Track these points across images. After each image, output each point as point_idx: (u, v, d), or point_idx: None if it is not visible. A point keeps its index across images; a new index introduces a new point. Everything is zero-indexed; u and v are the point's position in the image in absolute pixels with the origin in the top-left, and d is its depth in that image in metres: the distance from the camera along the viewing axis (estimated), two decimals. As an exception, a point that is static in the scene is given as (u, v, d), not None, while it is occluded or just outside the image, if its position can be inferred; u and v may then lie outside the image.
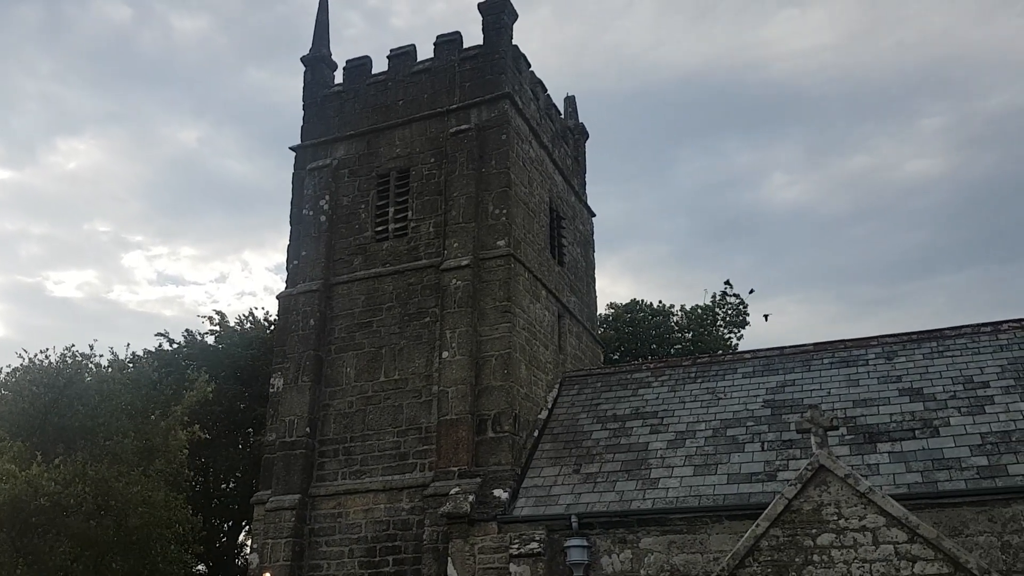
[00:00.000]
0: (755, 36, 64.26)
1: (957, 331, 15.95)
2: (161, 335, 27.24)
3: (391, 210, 18.32)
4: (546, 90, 20.41)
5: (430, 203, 17.88)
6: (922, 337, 16.08)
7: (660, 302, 32.46)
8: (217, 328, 27.65)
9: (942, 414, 13.72)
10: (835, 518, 10.48)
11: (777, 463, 13.64)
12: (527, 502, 14.58)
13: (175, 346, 26.96)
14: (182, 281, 67.55)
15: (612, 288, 69.36)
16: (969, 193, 61.58)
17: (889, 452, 13.20)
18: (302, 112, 20.00)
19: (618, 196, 61.63)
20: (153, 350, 26.40)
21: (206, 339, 27.37)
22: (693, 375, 17.06)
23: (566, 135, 21.80)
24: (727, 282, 32.55)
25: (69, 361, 19.28)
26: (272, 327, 25.99)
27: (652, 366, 18.18)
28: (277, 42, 67.37)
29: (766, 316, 33.32)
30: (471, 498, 14.54)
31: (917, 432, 13.45)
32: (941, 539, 10.07)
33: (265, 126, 67.53)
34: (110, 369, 20.24)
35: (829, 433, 11.56)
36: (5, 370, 19.20)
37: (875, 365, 15.62)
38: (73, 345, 19.82)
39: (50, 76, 65.67)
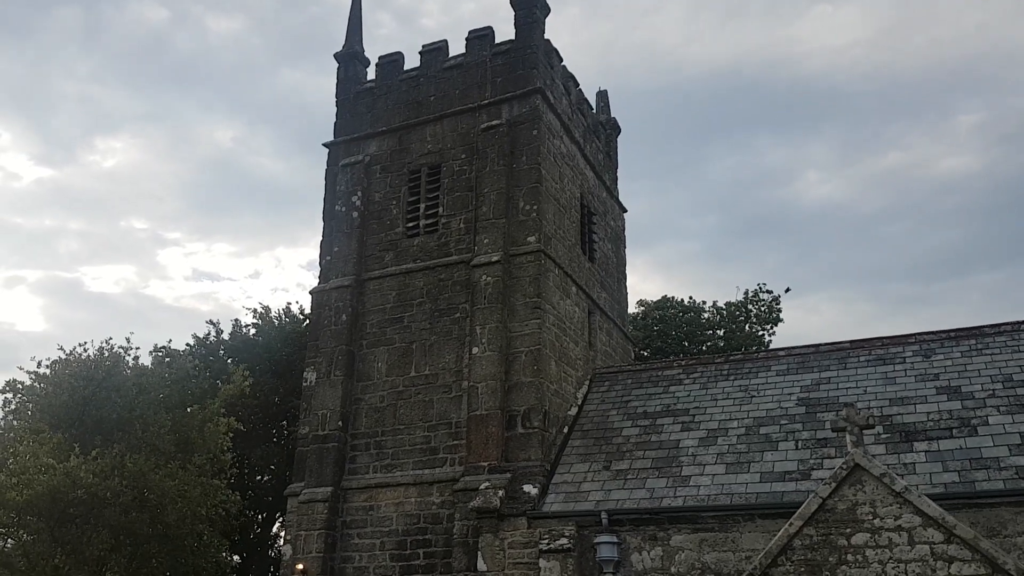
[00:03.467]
0: (787, 32, 63.43)
1: (996, 328, 15.61)
2: (211, 323, 27.95)
3: (422, 206, 18.39)
4: (578, 85, 20.32)
5: (461, 199, 17.92)
6: (960, 335, 15.77)
7: (691, 299, 32.23)
8: (259, 321, 28.09)
9: (980, 413, 13.45)
10: (870, 517, 10.33)
11: (811, 462, 13.48)
12: (557, 498, 14.57)
13: (220, 336, 27.53)
14: (217, 277, 68.60)
15: (642, 285, 69.06)
16: (1004, 191, 60.22)
17: (926, 451, 12.97)
18: (335, 108, 20.16)
19: (648, 193, 61.24)
20: (201, 337, 27.12)
21: (247, 331, 27.88)
22: (726, 372, 16.90)
23: (598, 130, 21.70)
24: (760, 285, 32.25)
25: (107, 354, 19.69)
26: (306, 322, 26.32)
27: (684, 363, 18.05)
28: (310, 42, 67.99)
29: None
30: (501, 493, 14.58)
31: (955, 431, 13.20)
32: (978, 539, 9.87)
33: (298, 125, 68.27)
34: (149, 363, 20.65)
35: (865, 432, 11.39)
36: (45, 363, 19.65)
37: (912, 363, 15.35)
38: (111, 338, 20.24)
39: (88, 77, 67.03)
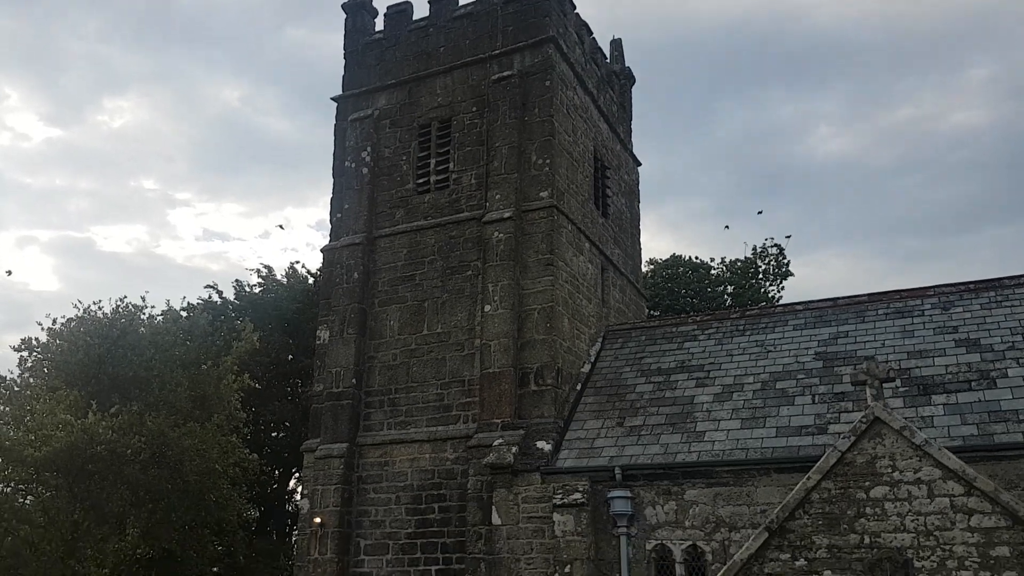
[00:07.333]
0: (798, -16, 61.86)
1: (1016, 280, 15.35)
2: (211, 287, 27.77)
3: (432, 161, 18.12)
4: (591, 33, 19.78)
5: (472, 154, 17.63)
6: (980, 287, 15.52)
7: (697, 257, 32.09)
8: (263, 281, 28.03)
9: (1000, 365, 13.27)
10: (889, 471, 10.24)
11: (828, 416, 13.38)
12: (570, 454, 14.58)
13: (224, 299, 27.45)
14: (227, 237, 68.70)
15: (652, 244, 68.56)
16: (1016, 144, 59.22)
17: (944, 404, 12.83)
18: (343, 61, 19.77)
19: (657, 150, 60.41)
20: (203, 301, 26.97)
21: (254, 291, 27.81)
22: (741, 328, 16.74)
23: (611, 80, 21.21)
24: (768, 239, 32.25)
25: (122, 312, 19.74)
26: (315, 280, 26.27)
27: (698, 319, 17.87)
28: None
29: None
30: (514, 449, 14.59)
31: (973, 384, 13.04)
32: (999, 492, 9.78)
33: (305, 84, 67.56)
34: (162, 319, 20.70)
35: (884, 385, 11.24)
36: (60, 321, 19.71)
37: (931, 316, 15.15)
38: (125, 297, 20.29)
39: (95, 37, 66.39)
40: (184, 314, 22.95)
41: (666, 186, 62.09)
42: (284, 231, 61.50)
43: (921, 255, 61.60)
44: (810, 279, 58.53)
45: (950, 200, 61.04)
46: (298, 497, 23.82)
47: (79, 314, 19.74)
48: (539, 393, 15.40)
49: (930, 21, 60.35)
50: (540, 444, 14.72)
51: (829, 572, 10.21)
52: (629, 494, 13.46)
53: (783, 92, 65.61)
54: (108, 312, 19.79)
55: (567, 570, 13.36)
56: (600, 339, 17.76)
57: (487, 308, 16.10)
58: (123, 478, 17.61)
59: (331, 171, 19.24)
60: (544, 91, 17.18)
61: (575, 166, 17.97)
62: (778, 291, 31.54)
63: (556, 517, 13.73)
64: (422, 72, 18.65)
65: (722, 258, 32.27)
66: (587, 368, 16.80)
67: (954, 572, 9.62)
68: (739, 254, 32.58)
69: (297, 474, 26.09)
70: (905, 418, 11.63)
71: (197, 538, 19.40)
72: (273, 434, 27.27)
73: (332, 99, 19.63)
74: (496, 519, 14.35)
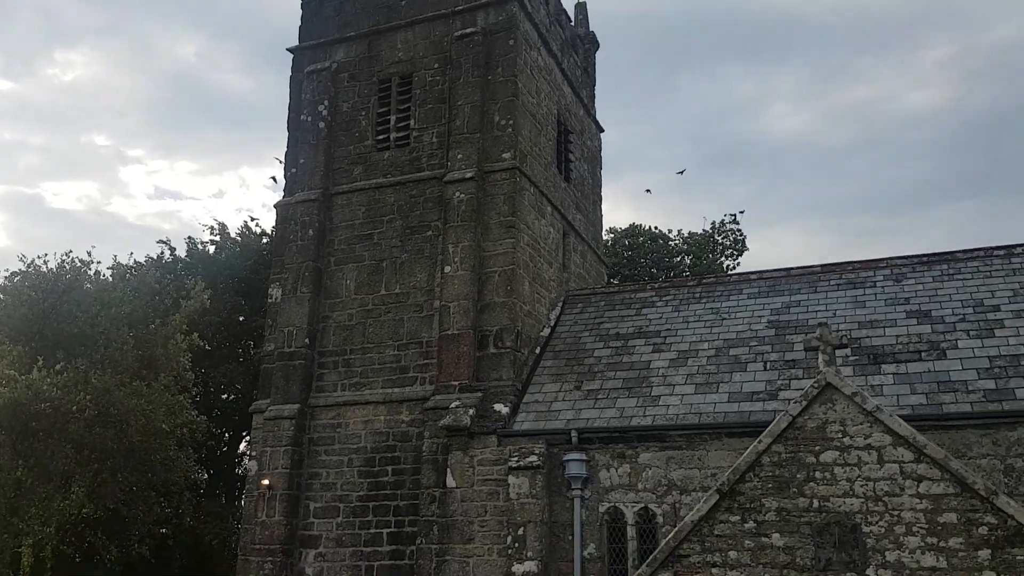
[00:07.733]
0: (758, -39, 61.82)
1: (969, 254, 15.63)
2: (163, 242, 27.01)
3: (393, 118, 17.70)
4: (557, -7, 19.45)
5: (433, 111, 17.26)
6: (932, 259, 15.77)
7: (656, 227, 32.33)
8: (217, 238, 27.33)
9: (950, 337, 13.52)
10: (840, 436, 10.38)
11: (779, 382, 13.53)
12: (527, 417, 14.54)
13: (175, 255, 26.70)
14: (180, 196, 66.99)
15: (612, 215, 68.50)
16: (970, 125, 60.53)
17: (894, 373, 13.05)
18: (300, 11, 19.12)
19: (618, 122, 60.25)
20: (154, 257, 26.21)
21: (207, 248, 27.10)
22: (698, 295, 16.83)
23: (576, 44, 20.93)
24: (727, 216, 32.93)
25: (67, 267, 19.07)
26: (269, 239, 25.69)
27: (656, 286, 17.95)
28: (274, -51, 64.69)
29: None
30: (471, 412, 14.50)
31: (923, 354, 13.27)
32: (949, 459, 9.96)
33: (264, 40, 65.60)
34: (110, 277, 20.05)
35: (837, 352, 11.36)
36: (3, 275, 18.98)
37: (883, 287, 15.37)
38: (71, 251, 19.60)
39: (43, -18, 63.42)
40: (132, 271, 22.28)
41: (626, 158, 62.10)
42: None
43: (873, 233, 62.78)
44: (764, 254, 59.42)
45: (903, 180, 62.24)
46: (247, 460, 23.50)
47: (23, 268, 19.00)
48: (498, 356, 15.29)
49: (888, 0, 60.97)
50: (497, 407, 14.65)
51: (778, 535, 10.36)
52: (584, 457, 13.51)
53: (741, 68, 65.87)
54: (53, 267, 19.08)
55: (520, 532, 13.38)
56: (560, 304, 17.70)
57: (447, 269, 15.88)
58: (68, 436, 17.11)
59: (286, 123, 18.68)
60: (508, 50, 16.84)
61: (538, 128, 17.72)
62: (734, 265, 32.00)
63: (511, 480, 13.72)
64: (383, 25, 18.13)
65: (679, 230, 32.60)
66: (546, 332, 16.74)
67: (902, 537, 9.81)
68: (697, 227, 32.99)
69: (247, 437, 25.70)
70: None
71: (143, 499, 18.99)
72: (223, 396, 26.76)
73: (288, 50, 19.03)
74: (451, 482, 14.29)
